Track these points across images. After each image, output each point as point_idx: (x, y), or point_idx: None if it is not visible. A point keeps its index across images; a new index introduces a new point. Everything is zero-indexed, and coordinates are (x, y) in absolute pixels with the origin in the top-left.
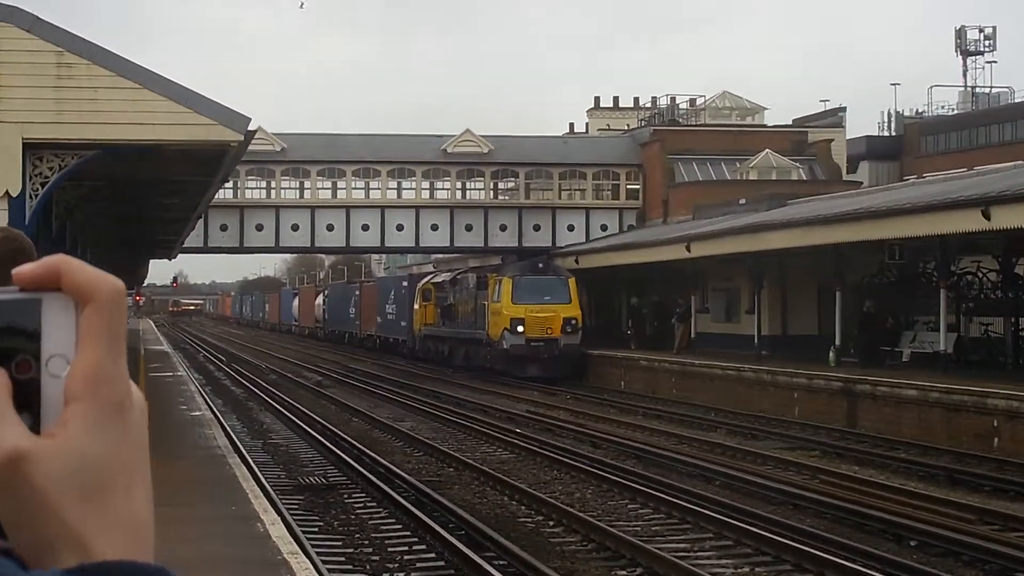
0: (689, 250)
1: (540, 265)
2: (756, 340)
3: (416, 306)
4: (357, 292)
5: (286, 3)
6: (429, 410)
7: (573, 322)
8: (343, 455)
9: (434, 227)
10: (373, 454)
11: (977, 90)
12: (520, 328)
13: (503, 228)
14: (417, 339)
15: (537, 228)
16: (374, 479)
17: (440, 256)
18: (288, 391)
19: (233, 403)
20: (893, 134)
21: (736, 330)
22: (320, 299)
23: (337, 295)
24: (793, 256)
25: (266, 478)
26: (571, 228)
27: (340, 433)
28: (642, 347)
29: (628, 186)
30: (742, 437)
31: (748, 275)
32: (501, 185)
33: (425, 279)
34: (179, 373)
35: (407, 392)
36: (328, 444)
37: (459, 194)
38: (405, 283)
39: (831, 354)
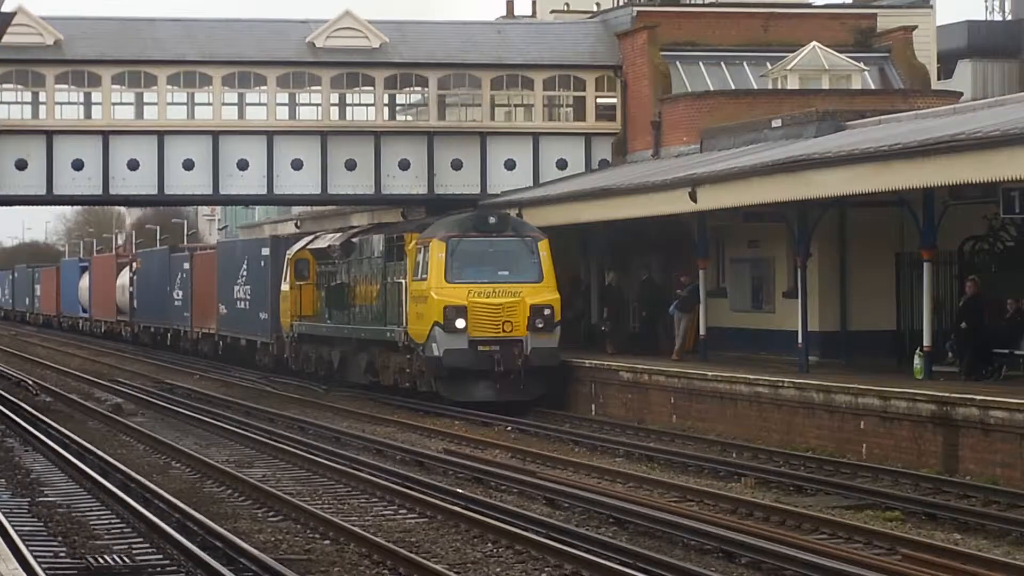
0: (695, 199)
1: (491, 219)
2: (800, 339)
3: (285, 287)
4: (186, 266)
5: None
6: (292, 449)
7: (547, 312)
8: (158, 521)
9: (296, 164)
10: (205, 519)
11: None
12: (461, 323)
13: (404, 166)
14: (287, 341)
15: (457, 166)
16: (207, 559)
17: (304, 210)
18: (70, 421)
19: None
20: (1009, 17)
21: (768, 323)
22: (125, 277)
23: (154, 271)
24: (858, 209)
25: (36, 557)
26: (510, 165)
27: (152, 487)
28: (623, 350)
29: (599, 99)
30: (780, 491)
31: (786, 238)
32: (401, 99)
33: (299, 245)
34: None
35: (257, 422)
36: (134, 504)
37: (335, 113)
38: (265, 251)
39: (917, 361)
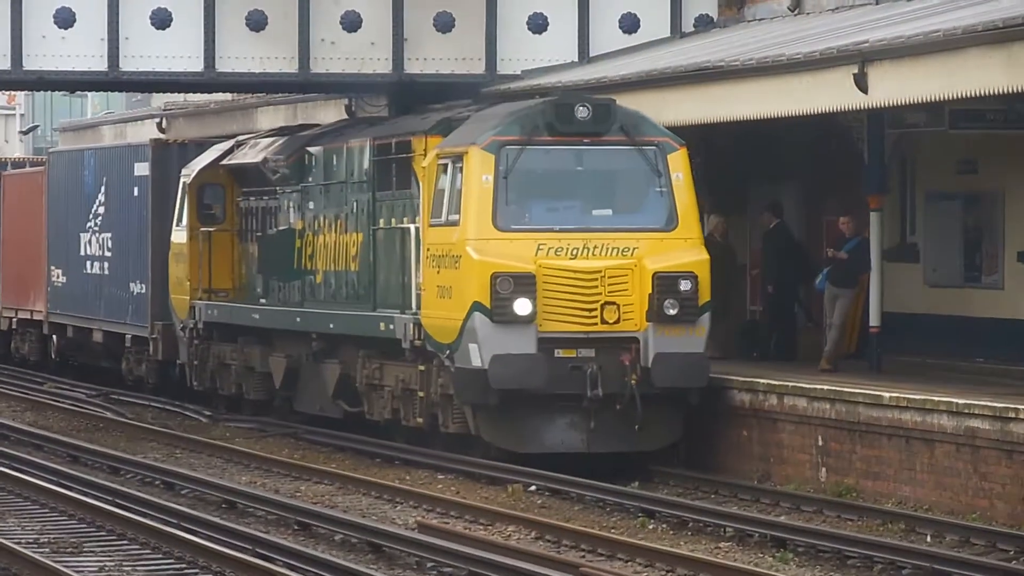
0: (863, 86)
1: (580, 111)
2: None
3: (179, 237)
4: None
5: None
6: (147, 522)
7: (686, 286)
8: None
9: (159, 19)
10: None
11: None
12: (524, 306)
13: (351, 25)
14: (184, 336)
15: (446, 25)
16: None
17: (173, 101)
18: None
19: None
20: None
21: (993, 307)
22: None
23: None
24: None
25: None
26: (539, 25)
27: None
28: (729, 353)
29: None
30: None
31: (1022, 159)
32: None
33: (206, 159)
34: None
35: (91, 474)
36: None
37: None
38: (142, 168)
39: None
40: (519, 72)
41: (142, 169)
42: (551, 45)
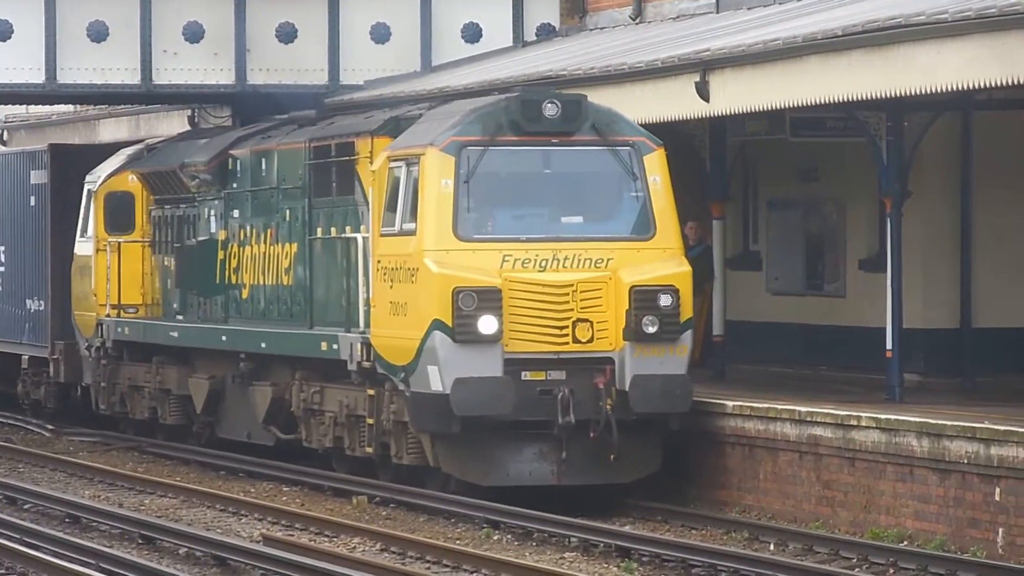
0: (705, 94)
1: (549, 108)
2: (890, 343)
3: (84, 248)
4: None
5: None
6: None
7: (667, 300)
8: None
9: (1, 34)
10: None
11: None
12: (489, 323)
13: (193, 35)
14: (90, 356)
15: (287, 36)
16: None
17: (15, 113)
18: None
19: None
20: None
21: (835, 315)
22: None
23: None
24: (994, 114)
25: None
26: (381, 35)
27: None
28: None
29: None
30: None
31: (866, 167)
32: None
33: (115, 163)
34: None
35: None
36: None
37: None
38: (39, 176)
39: None
40: (362, 82)
41: (39, 177)
42: (394, 55)
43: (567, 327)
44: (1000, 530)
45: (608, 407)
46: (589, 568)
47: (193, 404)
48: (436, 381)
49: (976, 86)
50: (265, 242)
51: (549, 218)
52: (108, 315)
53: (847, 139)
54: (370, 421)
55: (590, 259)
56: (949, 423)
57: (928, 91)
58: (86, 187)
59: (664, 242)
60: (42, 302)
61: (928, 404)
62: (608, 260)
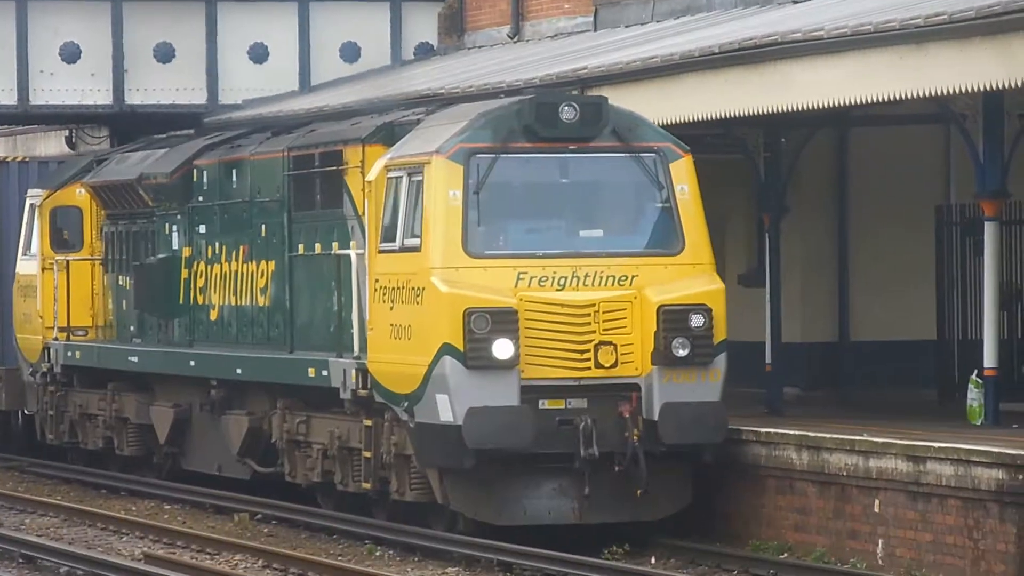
0: None
1: (566, 112)
2: (768, 357)
3: (26, 267)
4: None
5: None
6: None
7: (698, 321)
8: None
9: None
10: None
11: None
12: (504, 347)
13: (70, 56)
14: (36, 384)
15: (165, 55)
16: None
17: None
18: None
19: None
20: None
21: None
22: None
23: None
24: (870, 131)
25: None
26: (259, 55)
27: None
28: None
29: None
30: None
31: (744, 182)
32: None
33: (63, 176)
34: None
35: None
36: None
37: None
38: None
39: (973, 394)
40: (240, 102)
41: None
42: (273, 75)
43: (589, 351)
44: (880, 541)
45: (634, 438)
46: None
47: (154, 434)
48: (446, 411)
49: (851, 103)
50: (237, 260)
51: (567, 232)
52: (56, 338)
53: (726, 155)
54: (367, 454)
55: (613, 276)
56: (828, 436)
57: (804, 108)
58: (28, 201)
59: (694, 257)
60: None
61: (807, 417)
62: (633, 277)
